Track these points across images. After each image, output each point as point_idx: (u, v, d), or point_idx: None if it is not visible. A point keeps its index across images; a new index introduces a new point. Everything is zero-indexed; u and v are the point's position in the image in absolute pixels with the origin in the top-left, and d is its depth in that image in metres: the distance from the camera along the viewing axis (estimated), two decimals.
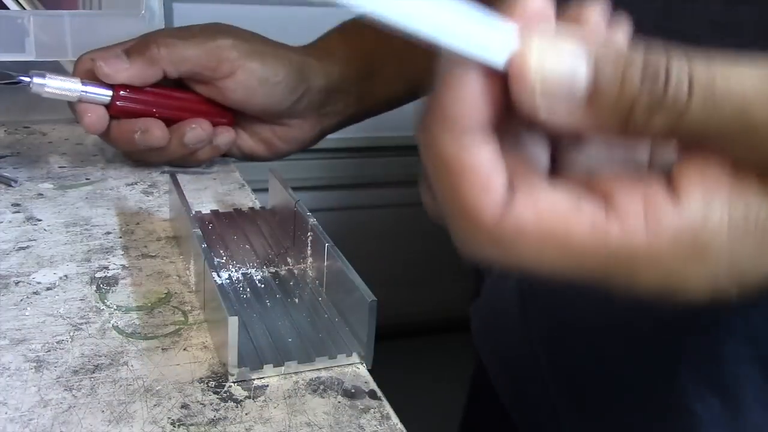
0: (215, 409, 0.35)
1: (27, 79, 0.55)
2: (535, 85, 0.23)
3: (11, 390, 0.36)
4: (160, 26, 0.68)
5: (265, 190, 0.56)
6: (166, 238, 0.52)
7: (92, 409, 0.35)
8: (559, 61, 0.23)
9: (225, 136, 0.61)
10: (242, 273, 0.46)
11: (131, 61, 0.57)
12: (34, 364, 0.38)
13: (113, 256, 0.49)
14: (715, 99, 0.23)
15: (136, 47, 0.58)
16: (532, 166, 0.26)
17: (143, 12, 0.66)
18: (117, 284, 0.46)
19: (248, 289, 0.45)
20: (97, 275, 0.46)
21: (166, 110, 0.59)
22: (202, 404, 0.36)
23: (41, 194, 0.57)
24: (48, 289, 0.45)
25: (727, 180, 0.25)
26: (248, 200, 0.59)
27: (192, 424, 0.34)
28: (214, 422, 0.35)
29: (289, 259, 0.48)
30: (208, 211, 0.54)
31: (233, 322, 0.36)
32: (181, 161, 0.62)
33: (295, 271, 0.47)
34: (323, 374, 0.39)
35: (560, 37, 0.23)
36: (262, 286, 0.45)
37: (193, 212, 0.48)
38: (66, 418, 0.34)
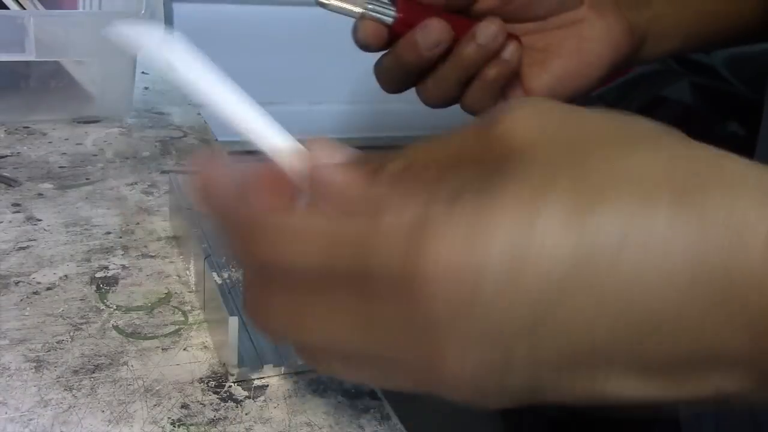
0: (215, 409, 0.35)
1: None
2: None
3: (11, 390, 0.36)
4: (161, 27, 0.68)
5: None
6: (166, 238, 0.52)
7: (92, 409, 0.35)
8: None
9: (513, 46, 0.50)
10: (242, 273, 0.46)
11: None
12: (34, 364, 0.38)
13: (113, 256, 0.49)
14: None
15: None
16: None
17: (143, 12, 0.66)
18: (117, 284, 0.46)
19: None
20: (97, 275, 0.46)
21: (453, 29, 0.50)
22: (202, 404, 0.36)
23: (41, 194, 0.57)
24: (48, 289, 0.45)
25: None
26: None
27: (192, 424, 0.34)
28: (214, 422, 0.35)
29: None
30: None
31: (233, 322, 0.36)
32: (465, 89, 0.51)
33: None
34: (323, 374, 0.39)
35: None
36: None
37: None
38: (66, 418, 0.34)
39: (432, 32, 0.48)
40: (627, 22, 0.52)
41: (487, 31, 0.48)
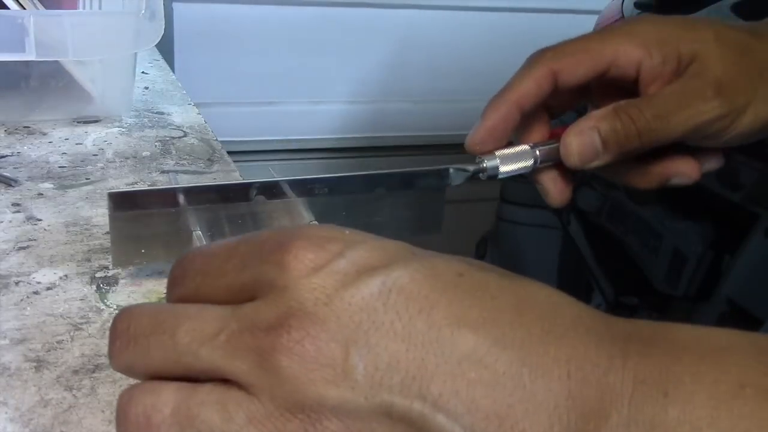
0: None
1: (473, 167, 0.47)
2: None
3: (11, 390, 0.36)
4: (161, 26, 0.68)
5: None
6: None
7: (92, 409, 0.35)
8: None
9: (714, 163, 0.51)
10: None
11: (605, 147, 0.45)
12: (34, 364, 0.38)
13: None
14: None
15: (612, 124, 0.45)
16: None
17: (143, 12, 0.66)
18: (117, 284, 0.46)
19: None
20: (97, 275, 0.46)
21: None
22: None
23: (41, 194, 0.57)
24: (48, 289, 0.45)
25: None
26: None
27: None
28: None
29: None
30: None
31: None
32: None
33: None
34: None
35: None
36: None
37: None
38: (66, 418, 0.34)
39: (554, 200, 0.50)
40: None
41: (678, 181, 0.49)
